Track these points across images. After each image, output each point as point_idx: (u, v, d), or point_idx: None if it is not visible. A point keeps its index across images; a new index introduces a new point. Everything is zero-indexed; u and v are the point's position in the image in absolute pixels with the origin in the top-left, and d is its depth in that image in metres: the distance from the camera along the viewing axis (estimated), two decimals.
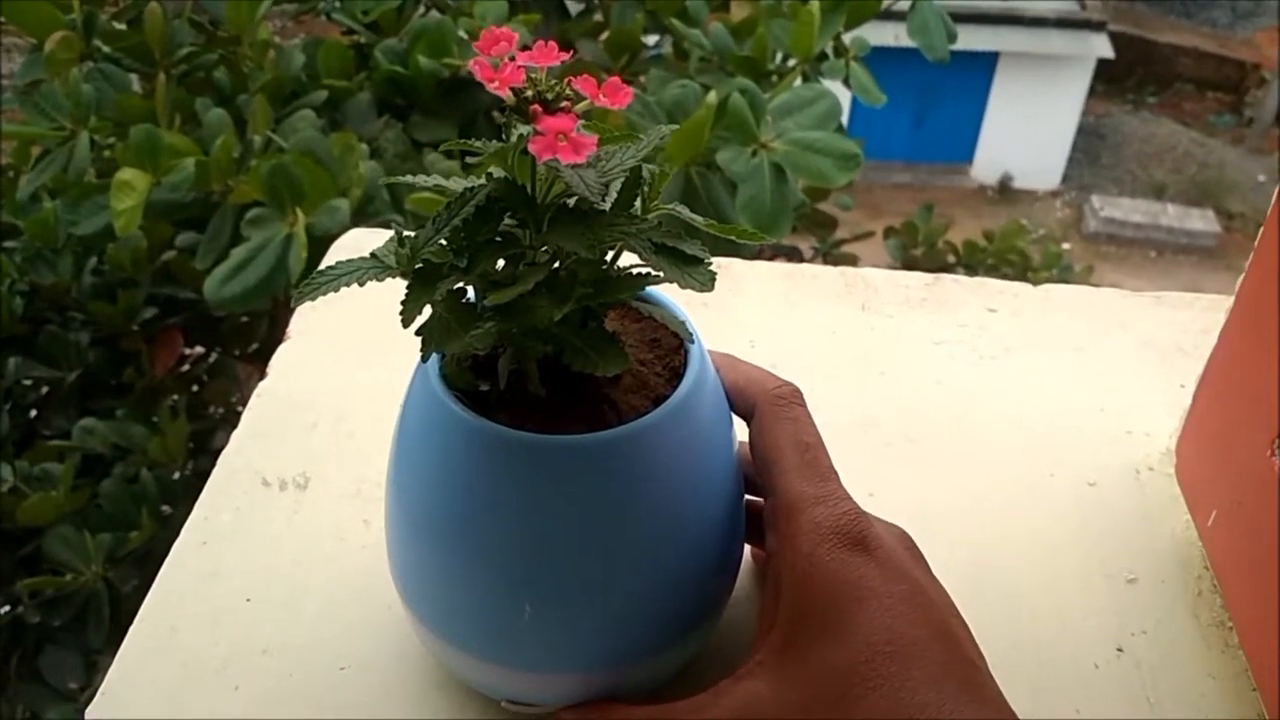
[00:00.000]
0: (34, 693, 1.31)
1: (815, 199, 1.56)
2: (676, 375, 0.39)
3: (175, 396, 1.36)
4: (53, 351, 1.33)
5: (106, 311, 1.30)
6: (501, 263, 0.35)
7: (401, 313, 0.33)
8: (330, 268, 0.33)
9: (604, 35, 1.44)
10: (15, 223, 1.30)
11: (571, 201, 0.35)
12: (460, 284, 0.34)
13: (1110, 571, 0.46)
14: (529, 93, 0.32)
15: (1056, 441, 0.51)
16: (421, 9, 1.38)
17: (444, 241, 0.34)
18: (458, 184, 0.35)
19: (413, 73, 1.27)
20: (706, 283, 0.34)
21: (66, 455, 1.27)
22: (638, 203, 0.36)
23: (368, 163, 1.18)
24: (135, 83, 1.24)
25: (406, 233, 0.35)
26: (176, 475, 1.32)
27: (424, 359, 0.36)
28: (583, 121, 0.33)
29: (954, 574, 0.45)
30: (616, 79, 0.34)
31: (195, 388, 1.45)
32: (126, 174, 1.11)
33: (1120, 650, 0.43)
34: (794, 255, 1.69)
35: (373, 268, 0.34)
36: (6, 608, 1.31)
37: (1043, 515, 0.48)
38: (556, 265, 0.35)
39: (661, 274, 0.34)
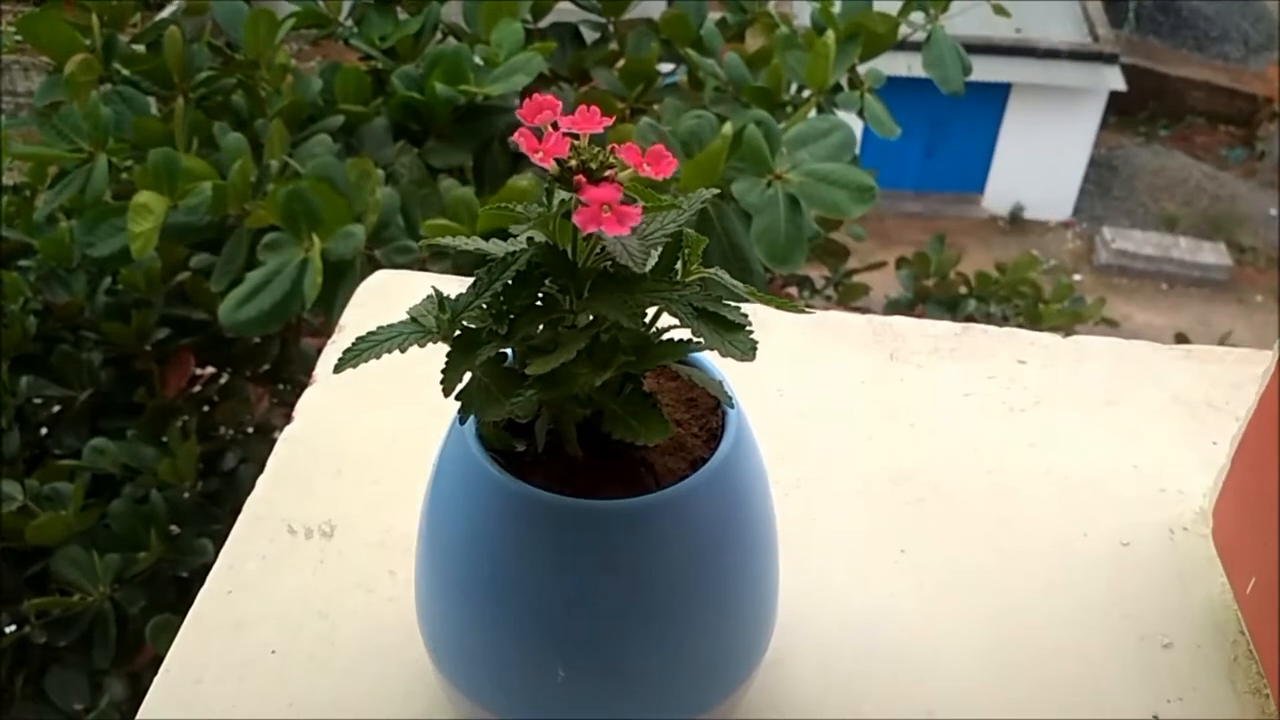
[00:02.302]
0: (39, 713, 1.31)
1: (828, 229, 1.56)
2: (714, 436, 0.38)
3: (186, 417, 1.36)
4: (65, 371, 1.32)
5: (119, 331, 1.30)
6: (540, 326, 0.35)
7: (442, 381, 0.33)
8: (371, 334, 0.33)
9: (619, 64, 1.44)
10: (30, 242, 1.30)
11: (611, 265, 0.35)
12: (500, 350, 0.33)
13: (1145, 634, 0.45)
14: (573, 162, 0.32)
15: (1089, 499, 0.50)
16: (439, 36, 1.38)
17: (484, 306, 0.34)
18: (498, 247, 0.35)
19: (429, 99, 1.27)
20: (748, 351, 0.34)
21: (76, 475, 1.26)
22: (678, 266, 0.36)
23: (383, 188, 1.18)
24: (154, 106, 1.24)
25: (445, 291, 0.35)
26: (186, 496, 1.32)
27: (461, 422, 0.36)
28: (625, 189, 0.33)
29: (987, 634, 0.44)
30: (660, 147, 0.34)
31: (206, 409, 1.44)
32: (144, 197, 1.11)
33: (1156, 718, 0.43)
34: (805, 284, 1.69)
35: (414, 332, 0.33)
36: (13, 627, 1.30)
37: (1076, 575, 0.47)
38: (597, 330, 0.35)
39: (702, 340, 0.34)
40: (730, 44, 1.44)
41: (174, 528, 1.30)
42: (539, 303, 0.34)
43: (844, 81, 1.36)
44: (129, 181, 1.20)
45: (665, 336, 0.36)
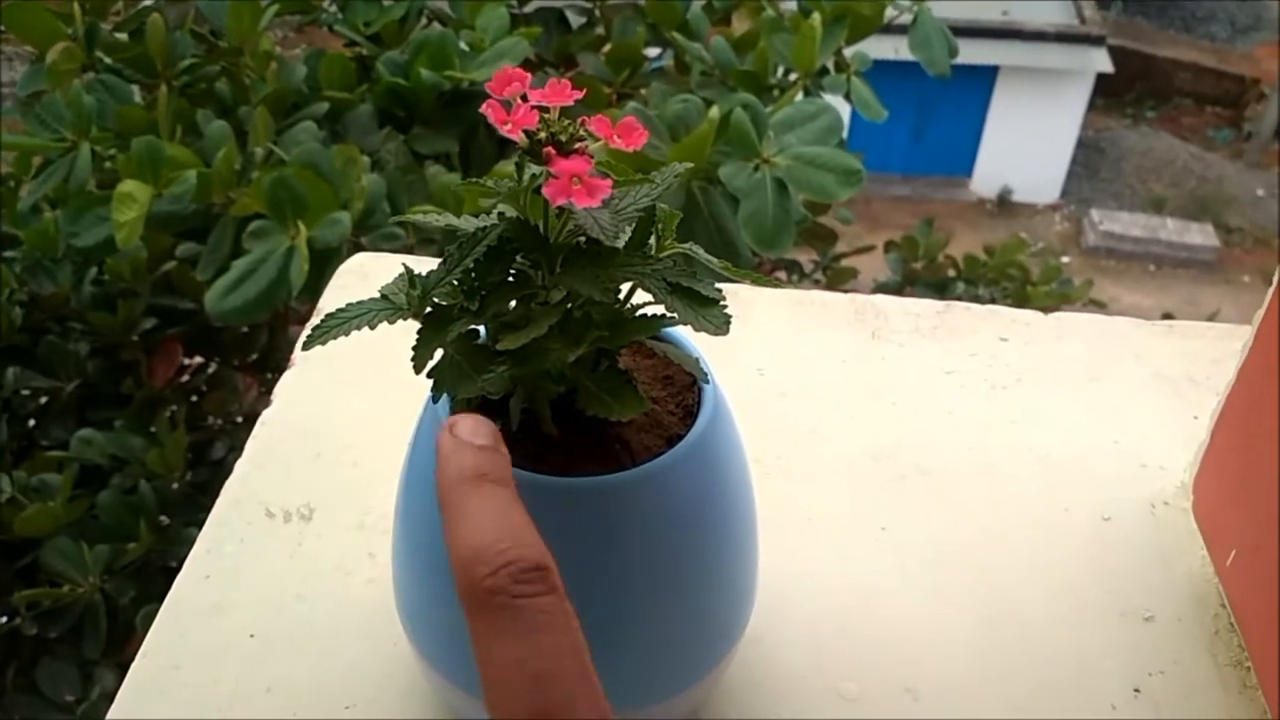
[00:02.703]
0: (30, 704, 1.30)
1: (815, 213, 1.55)
2: (689, 413, 0.38)
3: (174, 407, 1.36)
4: (52, 361, 1.32)
5: (106, 322, 1.29)
6: (513, 302, 0.34)
7: (413, 358, 0.32)
8: (341, 310, 0.33)
9: (605, 48, 1.43)
10: (15, 233, 1.29)
11: (583, 240, 0.34)
12: (472, 326, 0.33)
13: (1126, 609, 0.45)
14: (542, 134, 0.32)
15: (1071, 475, 0.50)
16: (423, 21, 1.38)
17: (455, 282, 0.34)
18: (469, 223, 0.34)
19: (414, 85, 1.27)
20: (722, 325, 0.34)
21: (65, 466, 1.26)
22: (651, 240, 0.36)
23: (369, 175, 1.18)
24: (137, 94, 1.23)
25: (416, 269, 0.34)
26: (175, 486, 1.31)
27: (434, 401, 0.35)
28: (596, 162, 0.32)
29: (969, 611, 0.44)
30: (631, 119, 0.33)
31: (194, 398, 1.44)
32: (128, 186, 1.10)
33: (1138, 691, 0.43)
34: (793, 268, 1.69)
35: (383, 309, 0.33)
36: (3, 619, 1.30)
37: (1058, 551, 0.47)
38: (569, 305, 0.35)
39: (676, 315, 0.34)
40: (716, 28, 1.44)
41: (163, 518, 1.30)
42: (510, 278, 0.34)
43: (830, 65, 1.35)
44: (113, 170, 1.19)
45: (640, 313, 0.36)
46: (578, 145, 0.32)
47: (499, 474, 0.27)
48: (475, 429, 0.28)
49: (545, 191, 0.31)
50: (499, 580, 0.24)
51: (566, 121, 0.32)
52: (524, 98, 0.32)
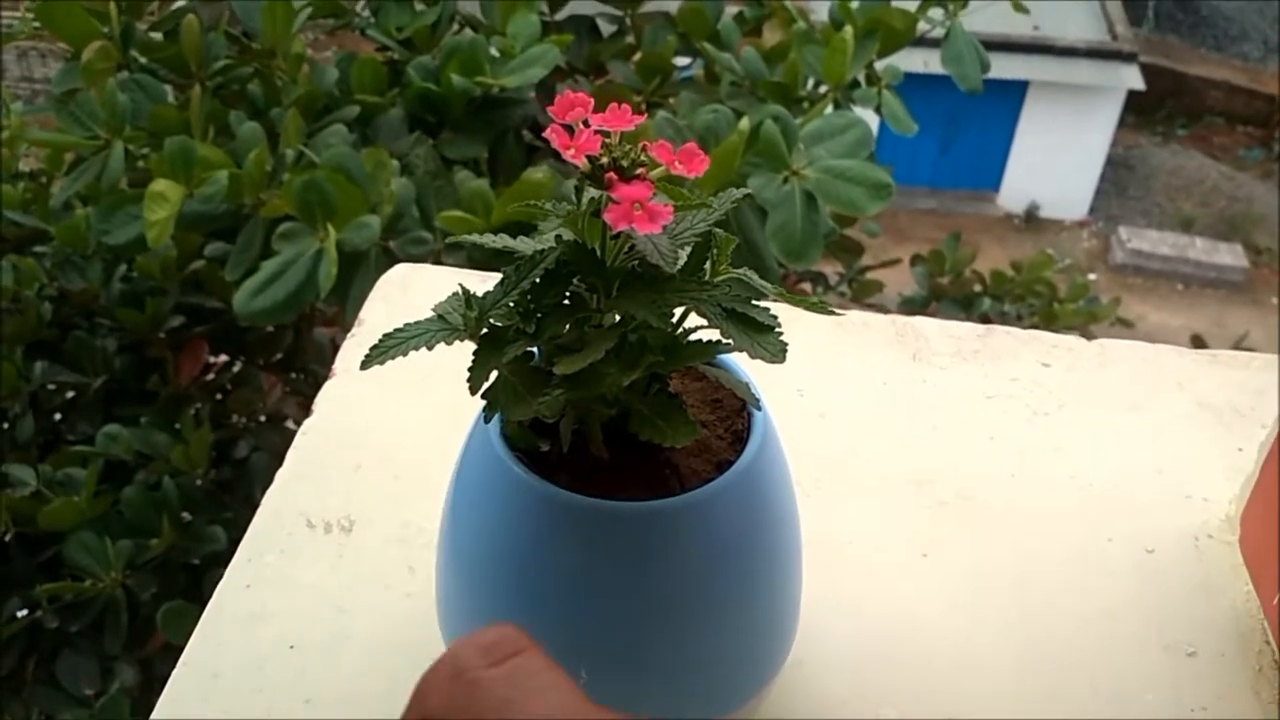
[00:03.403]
0: (49, 697, 1.31)
1: (842, 225, 1.55)
2: (739, 438, 0.38)
3: (199, 405, 1.36)
4: (79, 357, 1.33)
5: (134, 319, 1.30)
6: (568, 325, 0.34)
7: (469, 379, 0.32)
8: (399, 330, 0.33)
9: (636, 57, 1.44)
10: (47, 228, 1.30)
11: (639, 264, 0.34)
12: (527, 349, 0.33)
13: (1169, 643, 0.45)
14: (604, 159, 0.32)
15: (1114, 504, 0.50)
16: (455, 27, 1.38)
17: (511, 304, 0.34)
18: (526, 245, 0.34)
19: (445, 90, 1.27)
20: (778, 354, 0.34)
21: (90, 461, 1.27)
22: (707, 265, 0.36)
23: (398, 179, 1.18)
24: (170, 94, 1.24)
25: (471, 289, 0.34)
26: (198, 483, 1.32)
27: (486, 420, 0.35)
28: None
29: (1010, 640, 0.44)
30: (692, 145, 0.33)
31: (219, 396, 1.45)
32: (160, 185, 1.11)
33: None
34: (819, 280, 1.68)
35: (440, 330, 0.33)
36: (25, 611, 1.31)
37: (1101, 581, 0.47)
38: (624, 330, 0.34)
39: (731, 342, 0.34)
40: (747, 38, 1.43)
41: (186, 515, 1.30)
42: (566, 301, 0.34)
43: (861, 77, 1.35)
44: (145, 169, 1.20)
45: (693, 337, 0.36)
46: (639, 170, 0.32)
47: None
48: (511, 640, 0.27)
49: (607, 216, 0.31)
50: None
51: (628, 146, 0.32)
52: (586, 123, 0.32)
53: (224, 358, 1.46)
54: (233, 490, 1.35)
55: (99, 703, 1.27)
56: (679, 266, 0.35)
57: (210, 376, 1.45)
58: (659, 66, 1.39)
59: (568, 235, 0.34)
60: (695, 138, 1.22)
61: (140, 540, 1.26)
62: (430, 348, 0.33)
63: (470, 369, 0.32)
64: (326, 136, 1.22)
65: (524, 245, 0.34)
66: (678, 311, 0.36)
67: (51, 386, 1.35)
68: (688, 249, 0.35)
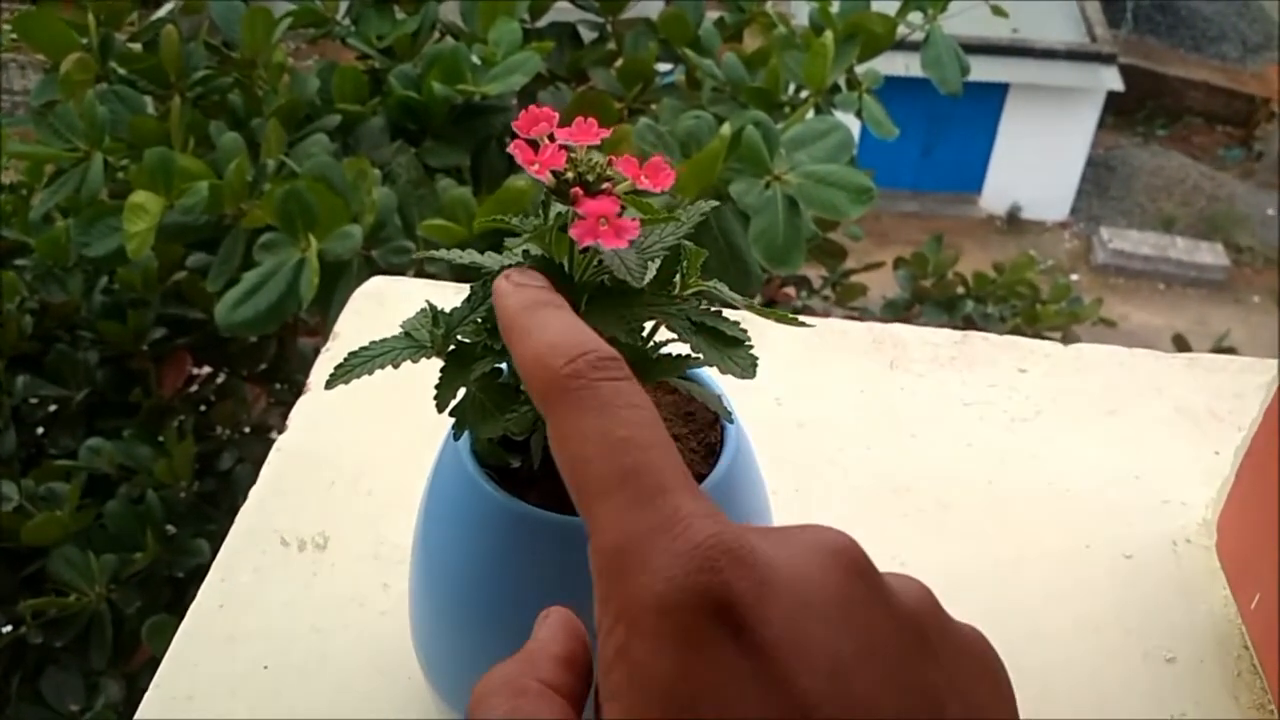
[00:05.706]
0: (34, 714, 1.30)
1: (825, 229, 1.55)
2: (712, 451, 0.38)
3: (182, 417, 1.36)
4: (61, 370, 1.32)
5: (116, 331, 1.29)
6: None
7: (436, 397, 0.32)
8: (364, 348, 0.32)
9: (617, 63, 1.44)
10: (27, 241, 1.30)
11: (608, 279, 0.34)
12: (495, 365, 0.33)
13: (1148, 649, 0.45)
14: (569, 175, 0.31)
15: (1092, 510, 0.50)
16: (436, 35, 1.38)
17: (479, 320, 0.33)
18: (494, 260, 0.34)
19: (426, 98, 1.27)
20: (748, 368, 0.33)
21: (73, 475, 1.26)
22: (676, 279, 0.36)
23: (380, 188, 1.18)
24: (150, 105, 1.24)
25: (438, 304, 0.34)
26: (182, 496, 1.31)
27: (455, 438, 0.35)
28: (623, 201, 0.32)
29: None
30: (659, 159, 0.33)
31: (202, 408, 1.44)
32: (140, 196, 1.10)
33: None
34: (803, 284, 1.68)
35: (407, 347, 0.33)
36: (9, 627, 1.30)
37: (1078, 588, 0.47)
38: None
39: (701, 356, 0.34)
40: (728, 44, 1.44)
41: (170, 528, 1.30)
42: None
43: (842, 82, 1.35)
44: (125, 181, 1.19)
45: (664, 351, 0.35)
46: (604, 185, 0.32)
47: (559, 302, 0.28)
48: (532, 274, 0.30)
49: (572, 233, 0.31)
50: (577, 366, 0.25)
51: (594, 161, 0.32)
52: (551, 137, 0.32)
53: (207, 369, 1.45)
54: (217, 502, 1.35)
55: (85, 718, 1.26)
56: (648, 280, 0.34)
57: (193, 388, 1.44)
58: (640, 73, 1.39)
59: (535, 250, 0.33)
60: (677, 144, 1.22)
61: (124, 554, 1.25)
62: (396, 366, 0.32)
63: (437, 386, 0.32)
64: (308, 146, 1.21)
65: (491, 260, 0.34)
66: (648, 326, 0.35)
67: (33, 400, 1.34)
68: (657, 262, 0.34)
